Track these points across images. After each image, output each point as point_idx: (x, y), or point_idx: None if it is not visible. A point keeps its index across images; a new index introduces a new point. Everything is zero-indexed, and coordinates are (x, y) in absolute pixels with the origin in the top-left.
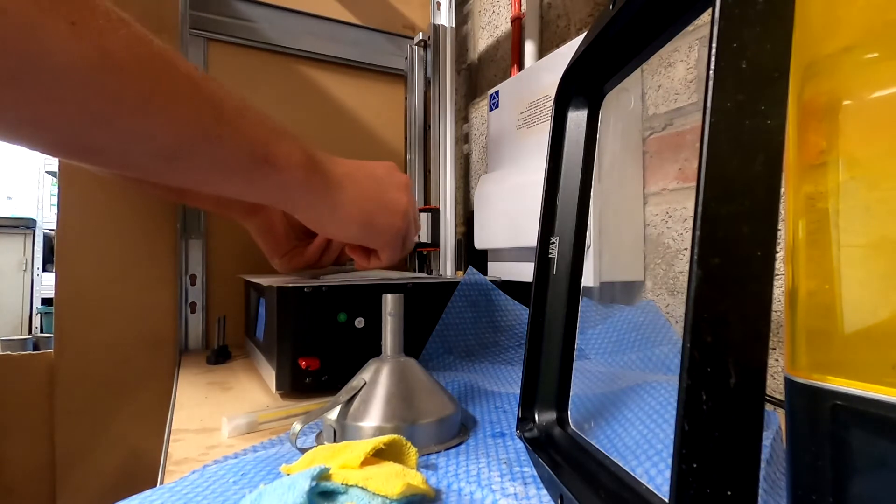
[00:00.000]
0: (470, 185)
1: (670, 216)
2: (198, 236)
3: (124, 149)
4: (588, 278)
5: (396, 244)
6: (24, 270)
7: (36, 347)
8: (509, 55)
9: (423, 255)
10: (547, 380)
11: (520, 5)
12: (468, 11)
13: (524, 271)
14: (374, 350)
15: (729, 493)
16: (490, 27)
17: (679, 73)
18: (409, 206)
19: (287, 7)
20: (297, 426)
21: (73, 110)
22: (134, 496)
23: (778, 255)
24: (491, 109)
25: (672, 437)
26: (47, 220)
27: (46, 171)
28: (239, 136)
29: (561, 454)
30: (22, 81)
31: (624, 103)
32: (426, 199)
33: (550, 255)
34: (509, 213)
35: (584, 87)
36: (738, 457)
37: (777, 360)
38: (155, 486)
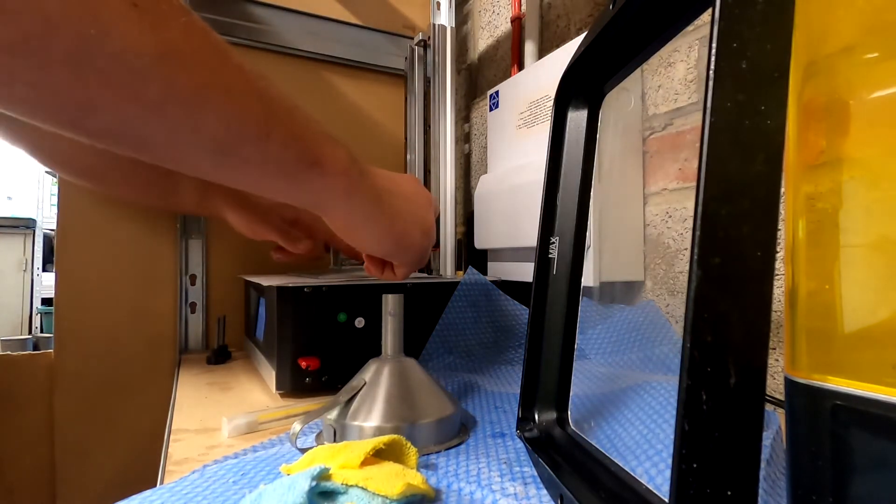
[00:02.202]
0: (470, 185)
1: (670, 216)
2: (198, 236)
3: (173, 140)
4: (588, 278)
5: (417, 262)
6: (24, 270)
7: (36, 347)
8: (509, 55)
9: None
10: (547, 380)
11: (520, 5)
12: (468, 11)
13: (524, 271)
14: (375, 350)
15: (729, 493)
16: (490, 27)
17: (679, 72)
18: (433, 225)
19: (288, 7)
20: (297, 426)
21: (126, 95)
22: (134, 496)
23: (778, 255)
24: (491, 109)
25: (672, 437)
26: (47, 220)
27: (46, 171)
28: (289, 135)
29: (561, 454)
30: (79, 63)
31: (624, 103)
32: None
33: (550, 255)
34: (509, 213)
35: (584, 87)
36: (738, 457)
37: (777, 360)
38: (155, 486)
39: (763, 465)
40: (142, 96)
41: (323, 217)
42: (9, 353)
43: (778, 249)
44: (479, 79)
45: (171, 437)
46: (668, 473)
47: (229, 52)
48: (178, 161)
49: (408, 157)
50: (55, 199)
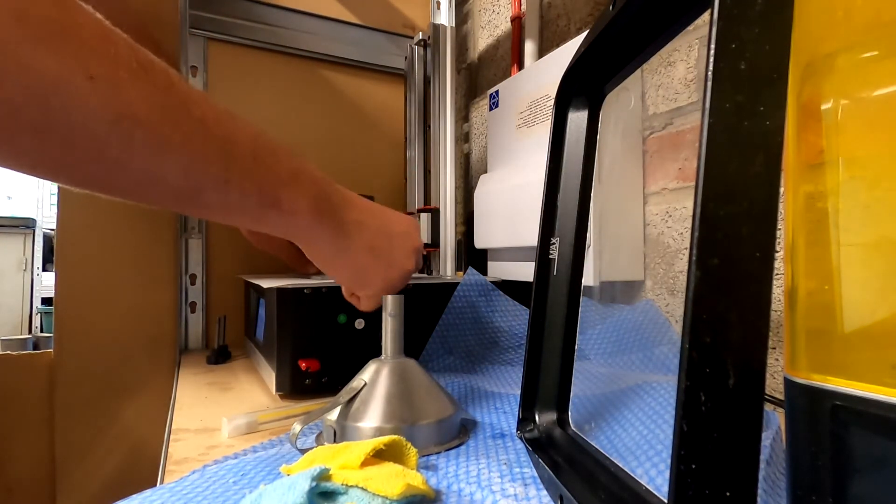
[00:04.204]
0: (470, 184)
1: (670, 216)
2: (198, 236)
3: (140, 189)
4: (588, 278)
5: (380, 297)
6: (24, 270)
7: (36, 347)
8: (509, 54)
9: (424, 256)
10: (547, 380)
11: (520, 5)
12: (468, 11)
13: (524, 271)
14: (375, 351)
15: (728, 493)
16: (490, 26)
17: (679, 72)
18: (411, 270)
19: (287, 6)
20: (297, 427)
21: (90, 157)
22: (134, 496)
23: (778, 254)
24: (491, 109)
25: (672, 437)
26: (47, 219)
27: None
28: (248, 181)
29: (561, 455)
30: (42, 132)
31: (624, 103)
32: (426, 199)
33: (551, 256)
34: (509, 213)
35: (584, 88)
36: (737, 457)
37: (777, 360)
38: (155, 485)
39: (763, 465)
40: (104, 156)
41: (300, 247)
42: (9, 352)
43: (777, 249)
44: (479, 78)
45: (171, 437)
46: (668, 474)
47: (191, 104)
48: (145, 201)
49: (408, 156)
50: (55, 199)
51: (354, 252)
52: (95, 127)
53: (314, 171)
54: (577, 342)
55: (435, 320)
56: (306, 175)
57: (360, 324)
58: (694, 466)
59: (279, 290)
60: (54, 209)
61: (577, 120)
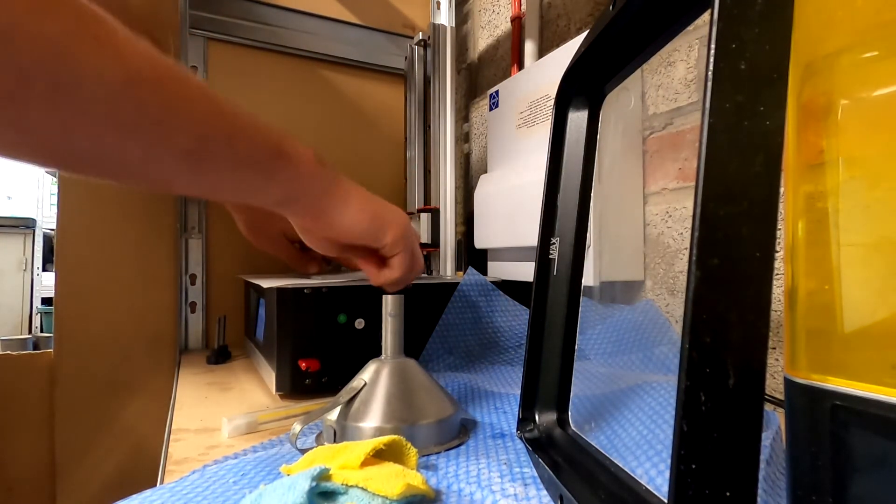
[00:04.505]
0: (470, 184)
1: (670, 216)
2: (198, 236)
3: (149, 155)
4: (588, 278)
5: (407, 246)
6: (24, 270)
7: (36, 347)
8: (509, 55)
9: (424, 256)
10: (547, 380)
11: (520, 5)
12: (468, 11)
13: (524, 271)
14: (375, 351)
15: (728, 493)
16: (490, 26)
17: (679, 72)
18: (410, 222)
19: (287, 6)
20: (297, 427)
21: (102, 121)
22: (134, 496)
23: (778, 254)
24: (491, 109)
25: (672, 437)
26: (47, 219)
27: (46, 171)
28: (254, 131)
29: (561, 455)
30: (56, 100)
31: (624, 103)
32: (426, 199)
33: (551, 256)
34: (509, 213)
35: (584, 88)
36: (737, 457)
37: (777, 359)
38: (155, 485)
39: (763, 465)
40: (116, 120)
41: (298, 212)
42: (9, 352)
43: (777, 249)
44: (479, 78)
45: (171, 437)
46: (668, 474)
47: (188, 73)
48: (155, 177)
49: (408, 156)
50: (55, 199)
51: (362, 199)
52: (106, 89)
53: None
54: (577, 342)
55: (435, 320)
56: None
57: (360, 324)
58: (694, 466)
59: (279, 290)
60: (54, 209)
61: (577, 120)
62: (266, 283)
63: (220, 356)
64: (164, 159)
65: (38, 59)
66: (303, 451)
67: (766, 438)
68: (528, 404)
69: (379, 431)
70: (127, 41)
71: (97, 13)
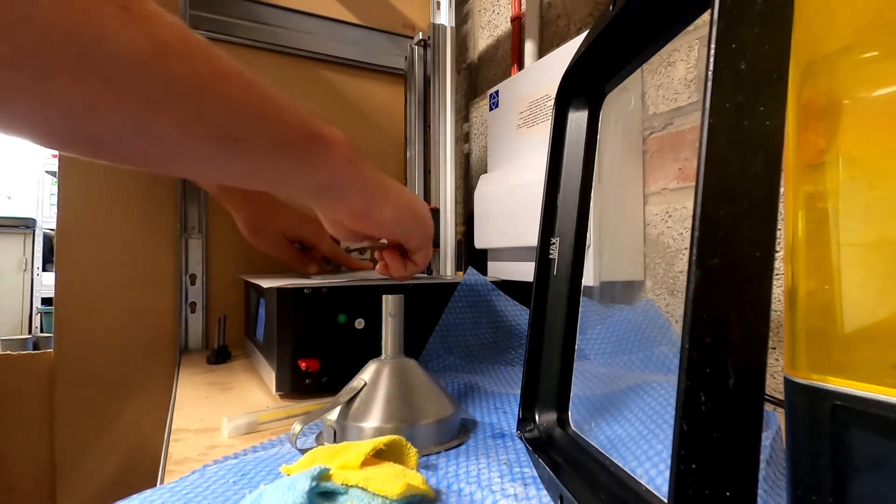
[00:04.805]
0: (470, 184)
1: (670, 216)
2: (198, 236)
3: (181, 135)
4: (588, 278)
5: (429, 243)
6: (24, 270)
7: (36, 347)
8: (509, 55)
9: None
10: (547, 380)
11: (520, 5)
12: (468, 11)
13: (524, 271)
14: (375, 351)
15: (728, 493)
16: (490, 27)
17: (679, 72)
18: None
19: (287, 6)
20: (297, 427)
21: (128, 95)
22: (134, 496)
23: (778, 254)
24: (491, 109)
25: (672, 437)
26: (47, 219)
27: (46, 171)
28: (289, 113)
29: (561, 455)
30: (79, 69)
31: (624, 103)
32: (426, 199)
33: (551, 256)
34: (509, 213)
35: (584, 88)
36: (737, 457)
37: (777, 359)
38: (155, 485)
39: (763, 465)
40: (143, 93)
41: (337, 204)
42: (9, 352)
43: (777, 249)
44: (479, 78)
45: (171, 437)
46: (668, 474)
47: (218, 49)
48: (188, 162)
49: (408, 156)
50: (55, 199)
51: (398, 189)
52: (132, 60)
53: None
54: (577, 342)
55: (435, 320)
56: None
57: (360, 324)
58: (694, 466)
59: (279, 290)
60: (54, 209)
61: (577, 120)
62: (266, 283)
63: (220, 356)
64: (196, 141)
65: (62, 19)
66: (303, 451)
67: (766, 438)
68: (528, 404)
69: (379, 431)
70: (156, 13)
71: None
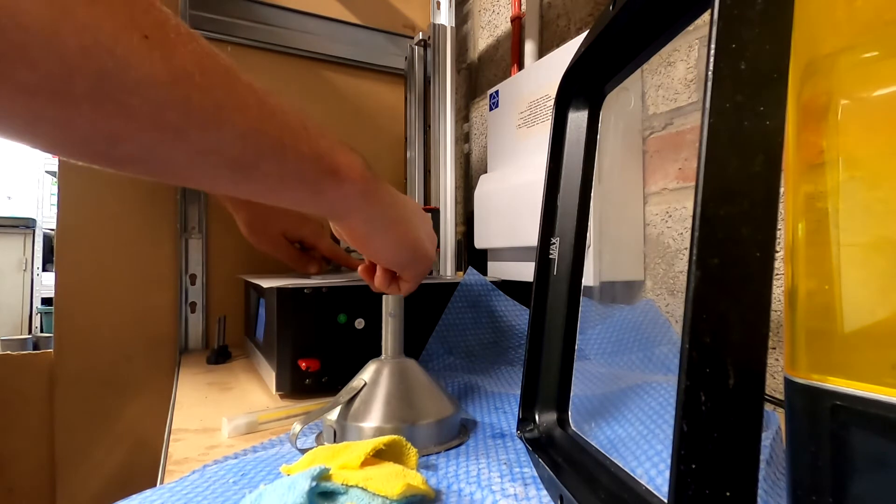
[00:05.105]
0: (470, 184)
1: (670, 216)
2: (198, 236)
3: (195, 161)
4: (588, 278)
5: (424, 273)
6: (24, 270)
7: (36, 347)
8: (509, 55)
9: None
10: (547, 380)
11: (520, 5)
12: (468, 11)
13: (524, 271)
14: (375, 351)
15: (728, 493)
16: (490, 27)
17: (679, 72)
18: (436, 239)
19: (287, 7)
20: (297, 427)
21: (146, 124)
22: (134, 496)
23: (778, 254)
24: (491, 109)
25: (672, 437)
26: (47, 219)
27: (46, 171)
28: (305, 146)
29: (561, 455)
30: (100, 97)
31: (624, 103)
32: (426, 199)
33: (551, 256)
34: (509, 213)
35: (584, 88)
36: (737, 457)
37: (777, 359)
38: (155, 485)
39: (763, 465)
40: (161, 122)
41: (340, 226)
42: (9, 352)
43: (778, 249)
44: (479, 78)
45: (171, 437)
46: (667, 474)
47: (238, 71)
48: (199, 180)
49: (408, 156)
50: (55, 199)
51: (406, 225)
52: (152, 89)
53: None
54: (577, 342)
55: (435, 320)
56: (348, 145)
57: (360, 324)
58: (694, 466)
59: (279, 290)
60: (54, 209)
61: (577, 120)
62: (266, 283)
63: (220, 356)
64: (210, 165)
65: (84, 48)
66: (303, 451)
67: (766, 438)
68: (528, 404)
69: (379, 431)
70: (178, 38)
71: (147, 3)
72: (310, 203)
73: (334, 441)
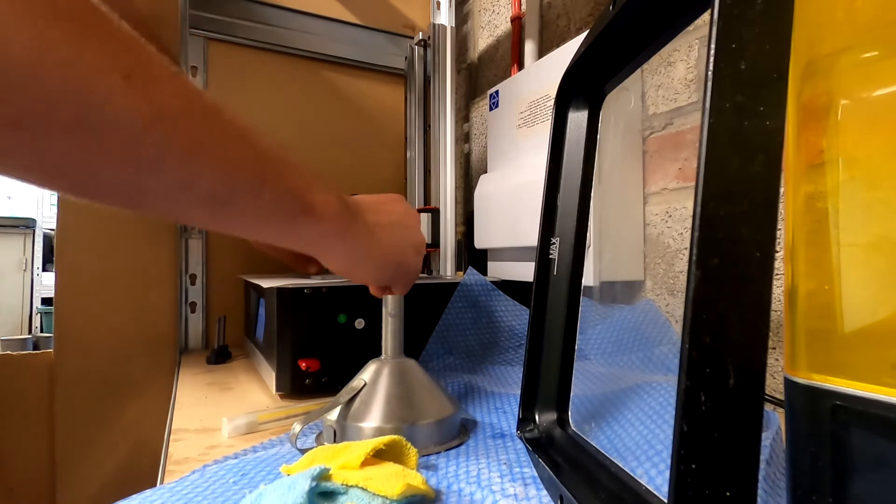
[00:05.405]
0: (470, 184)
1: (670, 216)
2: (198, 236)
3: (170, 196)
4: (588, 278)
5: (413, 281)
6: (24, 270)
7: (36, 347)
8: (509, 55)
9: (424, 256)
10: (547, 380)
11: (520, 5)
12: (468, 11)
13: (524, 271)
14: (375, 351)
15: (728, 493)
16: (490, 27)
17: (679, 72)
18: (424, 242)
19: (287, 7)
20: (297, 427)
21: (123, 159)
22: (134, 496)
23: (778, 254)
24: (491, 109)
25: (672, 437)
26: (47, 219)
27: None
28: (282, 184)
29: (561, 455)
30: (78, 132)
31: (624, 103)
32: (426, 199)
33: (551, 256)
34: (509, 213)
35: (584, 88)
36: (737, 457)
37: (777, 359)
38: (155, 485)
39: (763, 465)
40: (138, 158)
41: (323, 259)
42: (9, 352)
43: (777, 249)
44: (479, 78)
45: (171, 437)
46: (668, 474)
47: (220, 108)
48: (173, 214)
49: (408, 156)
50: (55, 199)
51: (385, 249)
52: (131, 125)
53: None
54: (577, 342)
55: (435, 320)
56: (325, 180)
57: (360, 324)
58: (694, 466)
59: (279, 290)
60: (54, 209)
61: (577, 120)
62: (266, 283)
63: (220, 356)
64: (184, 200)
65: (65, 85)
66: (303, 451)
67: (766, 438)
68: (528, 404)
69: (379, 431)
70: (161, 76)
71: (133, 42)
72: (286, 240)
73: (334, 441)
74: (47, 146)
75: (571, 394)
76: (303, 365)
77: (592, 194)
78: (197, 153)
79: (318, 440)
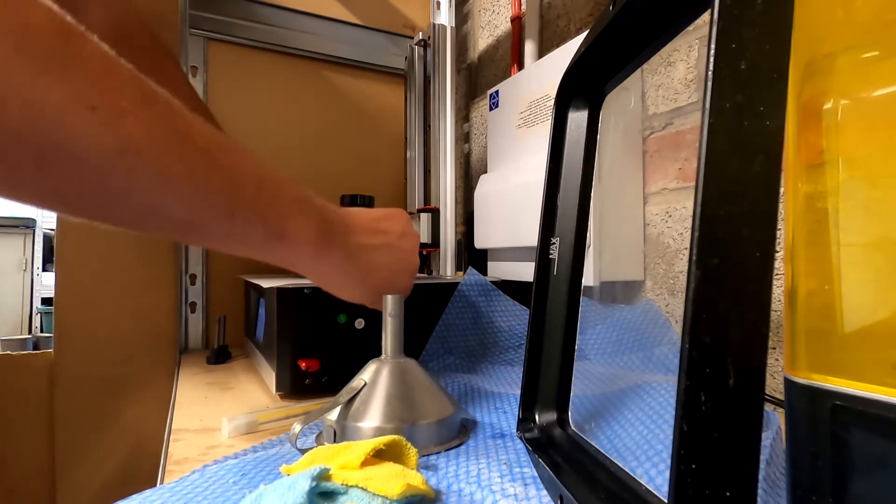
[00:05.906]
0: (470, 184)
1: (670, 216)
2: None
3: (141, 219)
4: (588, 278)
5: (404, 297)
6: (24, 270)
7: (36, 347)
8: (509, 55)
9: (424, 256)
10: (547, 380)
11: (520, 5)
12: (468, 11)
13: (524, 271)
14: (375, 351)
15: (728, 493)
16: (490, 27)
17: (679, 72)
18: (417, 265)
19: (287, 6)
20: (297, 427)
21: (91, 188)
22: (134, 496)
23: (778, 254)
24: (491, 109)
25: (672, 437)
26: (47, 219)
27: None
28: (253, 212)
29: (561, 455)
30: (45, 164)
31: (624, 103)
32: (426, 199)
33: (551, 256)
34: (509, 213)
35: (584, 88)
36: (737, 457)
37: (777, 359)
38: (155, 485)
39: (763, 465)
40: (105, 188)
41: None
42: (9, 352)
43: (777, 249)
44: (479, 78)
45: (171, 437)
46: (668, 474)
47: (194, 134)
48: (150, 232)
49: (408, 156)
50: None
51: (365, 271)
52: (97, 158)
53: (316, 198)
54: (577, 342)
55: (435, 320)
56: (309, 204)
57: (360, 324)
58: (694, 466)
59: (279, 289)
60: None
61: (577, 120)
62: (266, 283)
63: (220, 356)
64: (156, 223)
65: (30, 123)
66: (303, 451)
67: (766, 438)
68: (528, 404)
69: (379, 431)
70: (130, 106)
71: (102, 72)
72: (262, 259)
73: (334, 441)
74: (16, 174)
75: (571, 394)
76: (303, 365)
77: (592, 194)
78: (165, 184)
79: (318, 440)
